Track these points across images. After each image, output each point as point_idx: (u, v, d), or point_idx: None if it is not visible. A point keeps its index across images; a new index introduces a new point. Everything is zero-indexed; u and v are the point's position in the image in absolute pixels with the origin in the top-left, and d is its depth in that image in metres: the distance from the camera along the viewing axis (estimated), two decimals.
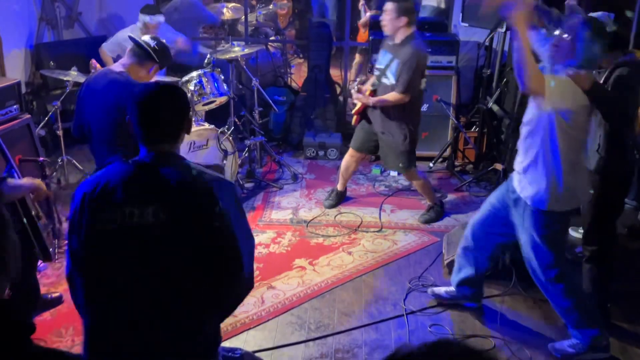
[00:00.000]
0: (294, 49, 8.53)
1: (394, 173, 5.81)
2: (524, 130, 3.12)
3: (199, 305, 2.05)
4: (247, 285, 2.18)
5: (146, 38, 3.67)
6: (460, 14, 5.42)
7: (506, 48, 5.67)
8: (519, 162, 3.19)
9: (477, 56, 6.12)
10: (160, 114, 2.12)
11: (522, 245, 3.28)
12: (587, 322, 3.29)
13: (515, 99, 5.26)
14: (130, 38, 3.74)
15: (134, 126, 2.13)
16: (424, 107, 5.75)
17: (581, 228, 3.95)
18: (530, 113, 3.07)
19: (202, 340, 2.09)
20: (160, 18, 5.54)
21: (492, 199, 3.48)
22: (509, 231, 3.35)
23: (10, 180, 2.93)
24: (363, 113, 4.80)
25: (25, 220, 3.07)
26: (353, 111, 4.88)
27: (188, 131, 2.22)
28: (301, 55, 8.36)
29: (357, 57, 7.65)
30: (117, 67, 3.65)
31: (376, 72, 4.69)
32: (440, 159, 5.99)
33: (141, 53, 3.61)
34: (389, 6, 4.44)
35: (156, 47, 3.62)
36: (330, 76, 6.64)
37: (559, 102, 2.91)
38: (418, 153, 4.89)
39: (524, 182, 3.15)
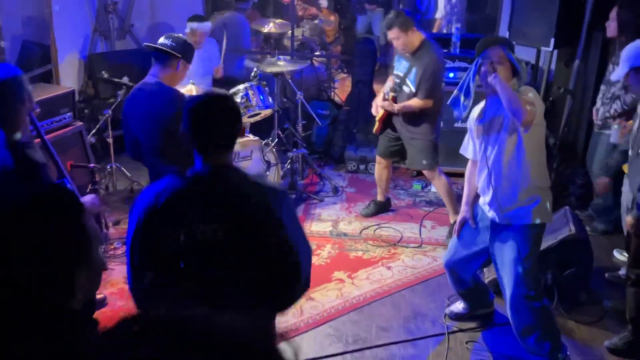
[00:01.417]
0: (338, 63, 8.60)
1: (434, 189, 5.78)
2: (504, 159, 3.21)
3: (258, 313, 2.06)
4: (303, 291, 2.20)
5: (160, 40, 3.61)
6: (507, 33, 5.39)
7: (552, 67, 5.61)
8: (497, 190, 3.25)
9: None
10: (215, 124, 2.11)
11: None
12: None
13: (562, 118, 5.20)
14: (145, 46, 3.72)
15: (188, 137, 2.11)
16: (464, 124, 5.74)
17: (625, 251, 3.88)
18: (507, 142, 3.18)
19: None
20: (208, 25, 5.68)
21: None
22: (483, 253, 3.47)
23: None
24: (386, 120, 4.87)
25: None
26: (377, 118, 4.92)
27: (242, 137, 2.24)
28: (345, 70, 8.43)
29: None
30: (149, 79, 3.62)
31: (396, 80, 4.75)
32: None
33: (161, 56, 3.56)
34: (392, 33, 4.48)
35: (172, 43, 3.54)
36: (374, 91, 6.67)
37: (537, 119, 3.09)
38: (458, 169, 4.90)
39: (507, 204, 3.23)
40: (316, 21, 8.14)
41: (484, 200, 3.37)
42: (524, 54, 5.98)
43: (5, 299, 1.39)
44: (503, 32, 6.00)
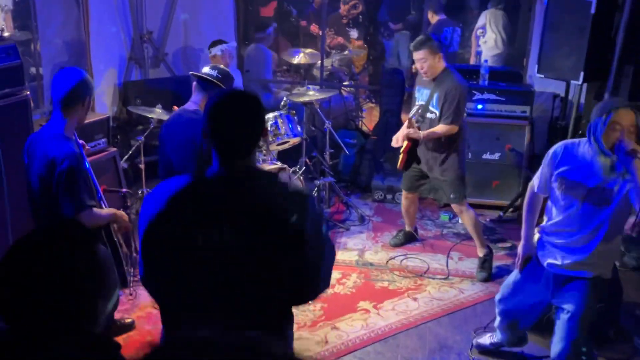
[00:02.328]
0: (366, 93, 8.68)
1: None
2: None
3: (275, 318, 2.01)
4: (322, 289, 2.07)
5: (205, 69, 3.74)
6: (537, 66, 5.41)
7: (582, 100, 5.60)
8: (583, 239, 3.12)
9: (552, 107, 6.06)
10: (233, 125, 1.97)
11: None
12: None
13: None
14: (192, 75, 3.86)
15: (207, 137, 2.00)
16: (496, 156, 5.74)
17: None
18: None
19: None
20: (234, 45, 5.81)
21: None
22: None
23: (97, 210, 3.12)
24: (410, 152, 4.79)
25: (107, 247, 3.25)
26: (401, 150, 4.82)
27: (265, 138, 2.14)
28: (373, 100, 8.49)
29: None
30: (190, 106, 3.74)
31: (418, 110, 4.74)
32: (511, 209, 5.91)
33: (204, 85, 3.68)
34: (419, 54, 4.49)
35: (218, 74, 3.68)
36: (402, 121, 6.71)
37: None
38: (489, 202, 4.86)
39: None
40: (346, 52, 8.23)
41: (550, 251, 3.21)
42: (553, 86, 6.00)
43: (36, 328, 1.44)
44: (532, 64, 6.03)
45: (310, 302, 2.15)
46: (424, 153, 4.78)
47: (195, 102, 3.71)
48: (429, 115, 4.66)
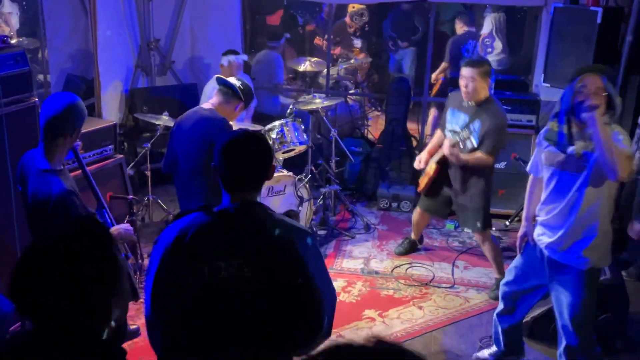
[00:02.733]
0: (371, 101, 8.69)
1: (468, 229, 5.76)
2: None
3: (277, 355, 2.04)
4: (324, 337, 2.11)
5: (232, 79, 3.91)
6: (542, 75, 5.41)
7: None
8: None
9: None
10: (245, 163, 2.12)
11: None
12: None
13: None
14: (217, 79, 3.99)
15: (218, 173, 2.14)
16: (502, 165, 5.73)
17: None
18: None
19: None
20: (242, 58, 5.87)
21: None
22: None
23: None
24: (437, 179, 4.69)
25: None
26: (428, 174, 4.72)
27: (270, 177, 2.22)
28: (379, 108, 8.50)
29: (432, 111, 7.71)
30: (206, 105, 3.91)
31: (451, 135, 4.53)
32: (517, 218, 5.89)
33: (228, 91, 3.85)
34: (470, 72, 4.31)
35: (241, 86, 3.84)
36: (407, 130, 6.72)
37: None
38: (495, 210, 4.83)
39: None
40: (352, 60, 8.26)
41: (542, 232, 3.28)
42: (558, 96, 5.99)
43: (50, 326, 1.46)
44: (538, 73, 6.03)
45: (312, 347, 2.09)
46: (459, 176, 4.57)
47: (213, 104, 3.88)
48: (467, 142, 4.45)
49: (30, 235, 3.05)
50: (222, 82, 3.92)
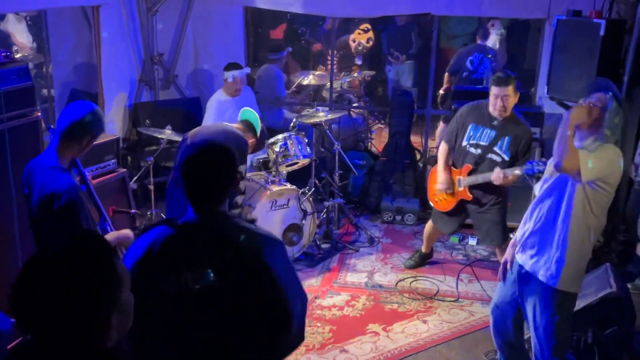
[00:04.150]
0: (375, 114, 8.69)
1: (472, 242, 5.73)
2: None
3: None
4: (297, 341, 2.14)
5: (258, 120, 4.62)
6: (546, 87, 5.40)
7: None
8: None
9: None
10: (205, 178, 2.10)
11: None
12: None
13: None
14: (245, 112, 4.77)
15: (180, 187, 2.13)
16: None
17: None
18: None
19: None
20: (246, 71, 5.90)
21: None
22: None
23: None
24: (461, 202, 4.71)
25: None
26: (457, 192, 4.68)
27: (235, 187, 2.19)
28: (382, 121, 8.50)
29: (441, 125, 7.71)
30: (230, 124, 4.36)
31: (476, 150, 4.54)
32: None
33: (250, 126, 4.57)
34: (504, 90, 4.30)
35: (264, 129, 4.46)
36: (411, 142, 6.72)
37: (597, 175, 2.94)
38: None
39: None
40: (355, 74, 8.27)
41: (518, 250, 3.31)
42: (562, 107, 5.98)
43: (47, 340, 1.46)
44: (542, 86, 6.02)
45: (286, 353, 2.14)
46: (484, 194, 4.60)
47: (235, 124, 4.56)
48: (491, 156, 4.47)
49: (34, 241, 3.03)
50: (250, 121, 4.63)
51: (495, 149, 4.46)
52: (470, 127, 4.58)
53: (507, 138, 4.39)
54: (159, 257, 2.03)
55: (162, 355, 2.04)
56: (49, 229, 2.90)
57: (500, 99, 4.33)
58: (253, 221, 2.18)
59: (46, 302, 1.44)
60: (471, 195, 4.61)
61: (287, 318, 2.03)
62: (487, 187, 4.51)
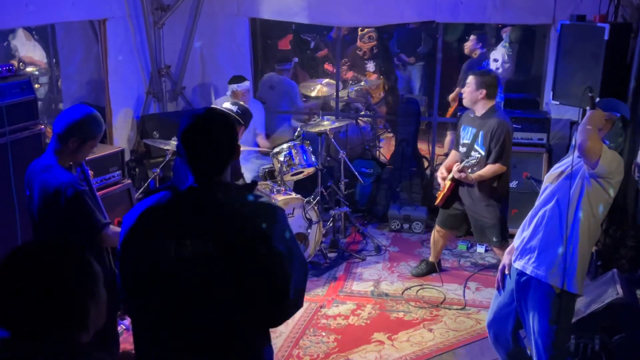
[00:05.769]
0: (383, 123, 8.68)
1: (480, 249, 5.69)
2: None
3: (248, 329, 2.07)
4: (294, 307, 2.13)
5: (227, 105, 3.94)
6: (551, 93, 5.36)
7: None
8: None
9: (570, 134, 5.99)
10: (205, 148, 2.09)
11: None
12: None
13: None
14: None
15: (181, 156, 2.12)
16: (514, 184, 5.67)
17: None
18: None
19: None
20: (247, 84, 5.92)
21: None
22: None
23: (113, 227, 3.11)
24: (452, 194, 4.74)
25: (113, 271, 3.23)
26: (442, 191, 4.78)
27: (235, 158, 2.19)
28: (390, 130, 8.49)
29: (449, 135, 7.69)
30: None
31: (463, 149, 4.71)
32: None
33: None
34: (469, 79, 4.62)
35: (238, 110, 3.93)
36: (418, 150, 6.70)
37: (609, 168, 2.97)
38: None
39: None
40: (362, 83, 8.27)
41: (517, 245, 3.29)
42: (569, 113, 5.94)
43: (26, 331, 1.48)
44: (547, 92, 5.99)
45: (280, 321, 2.14)
46: (469, 193, 4.68)
47: None
48: (474, 154, 4.59)
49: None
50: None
51: (476, 145, 4.61)
52: (462, 128, 4.78)
53: (481, 133, 4.55)
54: (158, 221, 2.05)
55: (159, 320, 2.06)
56: (60, 225, 2.90)
57: (466, 87, 4.63)
58: (253, 187, 2.15)
59: (20, 296, 1.47)
60: (448, 184, 4.69)
61: (283, 285, 2.02)
62: (473, 191, 4.64)
